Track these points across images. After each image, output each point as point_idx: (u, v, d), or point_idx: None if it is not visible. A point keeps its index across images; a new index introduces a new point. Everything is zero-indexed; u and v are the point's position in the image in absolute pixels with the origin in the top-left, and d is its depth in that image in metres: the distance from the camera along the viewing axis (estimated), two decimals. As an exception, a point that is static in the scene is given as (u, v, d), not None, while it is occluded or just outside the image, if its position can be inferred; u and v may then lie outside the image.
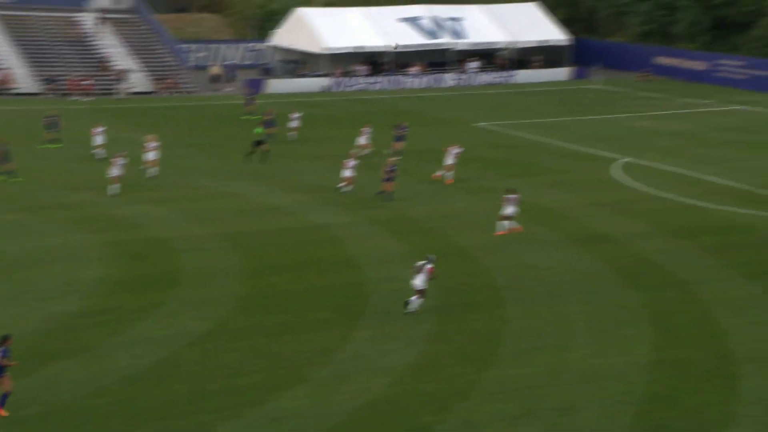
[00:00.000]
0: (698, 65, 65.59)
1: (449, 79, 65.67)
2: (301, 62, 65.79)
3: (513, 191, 29.76)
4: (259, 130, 39.89)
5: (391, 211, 31.90)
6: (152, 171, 36.34)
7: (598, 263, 26.61)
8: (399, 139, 40.64)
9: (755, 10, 65.05)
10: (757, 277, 25.46)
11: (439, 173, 36.03)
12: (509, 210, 29.31)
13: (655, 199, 33.96)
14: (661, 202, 33.45)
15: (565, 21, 70.75)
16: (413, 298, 22.66)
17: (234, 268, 25.98)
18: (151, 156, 36.55)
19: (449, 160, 35.89)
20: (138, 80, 60.35)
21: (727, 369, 19.82)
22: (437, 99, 59.75)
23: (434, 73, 65.57)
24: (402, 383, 19.17)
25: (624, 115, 52.83)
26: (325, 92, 61.92)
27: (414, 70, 65.46)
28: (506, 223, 29.34)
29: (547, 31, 68.57)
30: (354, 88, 63.34)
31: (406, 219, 31.14)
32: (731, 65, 63.37)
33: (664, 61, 67.67)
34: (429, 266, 22.73)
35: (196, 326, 21.73)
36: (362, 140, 40.69)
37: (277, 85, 61.72)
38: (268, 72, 65.45)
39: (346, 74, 64.24)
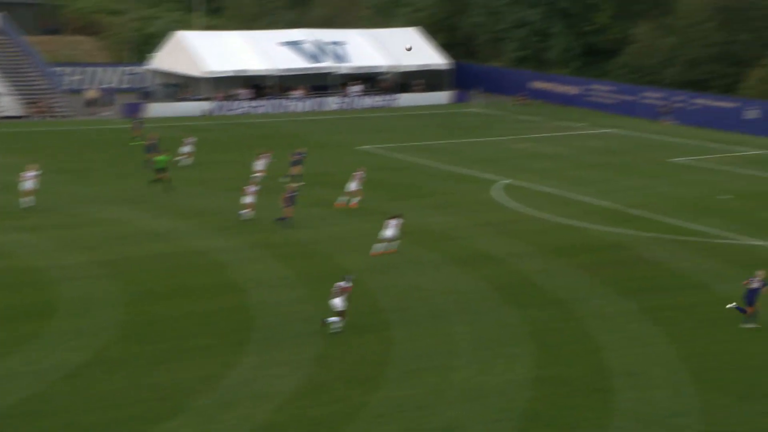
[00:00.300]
0: (571, 90, 67.82)
1: (332, 102, 65.89)
2: (181, 86, 64.84)
3: (397, 216, 30.05)
4: (161, 157, 38.78)
5: (276, 235, 31.66)
6: (27, 201, 34.83)
7: (481, 283, 27.04)
8: (296, 164, 40.49)
9: (622, 38, 67.84)
10: (631, 293, 26.34)
11: (342, 201, 35.84)
12: (389, 233, 29.55)
13: (534, 219, 34.79)
14: (540, 223, 34.29)
15: (445, 46, 72.08)
16: (332, 318, 22.76)
17: (112, 296, 25.25)
18: (28, 185, 35.11)
19: (353, 185, 35.95)
20: (8, 104, 58.21)
21: (603, 384, 20.39)
22: (321, 122, 59.83)
23: (317, 97, 65.66)
24: (287, 409, 18.96)
25: (503, 137, 54.08)
26: (207, 116, 61.17)
27: (297, 93, 65.43)
28: (383, 245, 29.57)
29: (428, 55, 69.69)
30: (237, 111, 62.80)
31: (291, 242, 30.95)
32: (601, 90, 65.79)
33: (539, 85, 69.69)
34: (345, 285, 22.86)
35: (71, 358, 20.97)
36: (259, 165, 40.26)
37: (158, 109, 60.61)
38: (147, 96, 64.22)
39: (228, 98, 63.66)
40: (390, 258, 29.12)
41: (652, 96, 61.96)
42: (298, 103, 64.92)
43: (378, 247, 29.65)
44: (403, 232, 30.02)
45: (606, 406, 19.34)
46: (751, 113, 55.29)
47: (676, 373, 20.89)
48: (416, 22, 73.67)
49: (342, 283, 23.01)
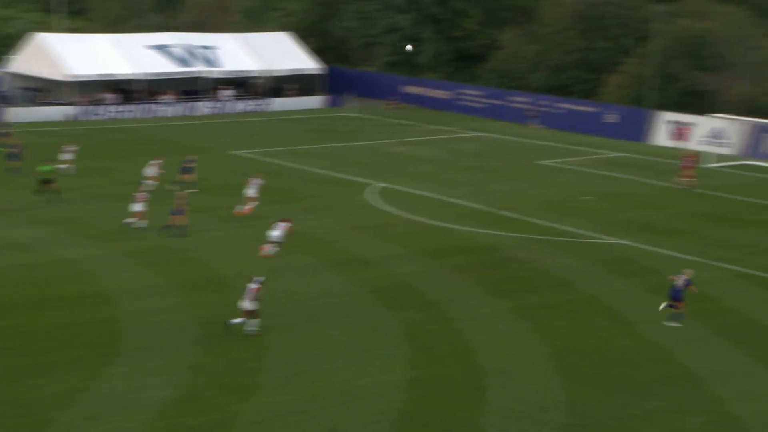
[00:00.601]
0: (442, 94, 68.94)
1: (204, 107, 64.88)
2: (42, 90, 62.49)
3: (286, 220, 30.15)
4: (46, 168, 37.01)
5: (148, 242, 30.92)
6: None
7: (357, 286, 27.14)
8: (185, 171, 39.61)
9: (490, 44, 69.51)
10: (502, 293, 26.96)
11: (244, 208, 35.20)
12: (275, 234, 29.52)
13: (408, 222, 35.17)
14: (415, 225, 34.69)
15: (318, 50, 72.09)
16: (238, 320, 22.72)
17: (-26, 309, 24.09)
18: None
19: (251, 192, 35.46)
20: None
21: (477, 383, 20.80)
22: (192, 127, 58.82)
23: (188, 102, 64.53)
24: (161, 419, 18.54)
25: (377, 141, 54.47)
26: (70, 121, 59.17)
27: (167, 98, 64.11)
28: (269, 247, 29.62)
29: (300, 59, 69.54)
30: (103, 117, 61.01)
31: (165, 249, 30.29)
32: (471, 94, 67.15)
33: (411, 89, 70.55)
34: (255, 287, 22.86)
35: (-69, 374, 19.90)
36: (150, 172, 39.13)
37: (17, 114, 58.22)
38: (5, 100, 61.59)
39: (94, 103, 61.76)
40: (266, 263, 28.88)
41: (519, 100, 63.65)
42: (168, 108, 63.62)
43: (267, 249, 29.65)
44: (286, 237, 29.89)
45: (479, 404, 19.73)
46: (611, 117, 57.56)
47: (545, 369, 21.51)
48: (287, 26, 73.41)
49: (252, 285, 23.00)
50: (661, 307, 24.63)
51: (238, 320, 23.00)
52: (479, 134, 57.93)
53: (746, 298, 26.35)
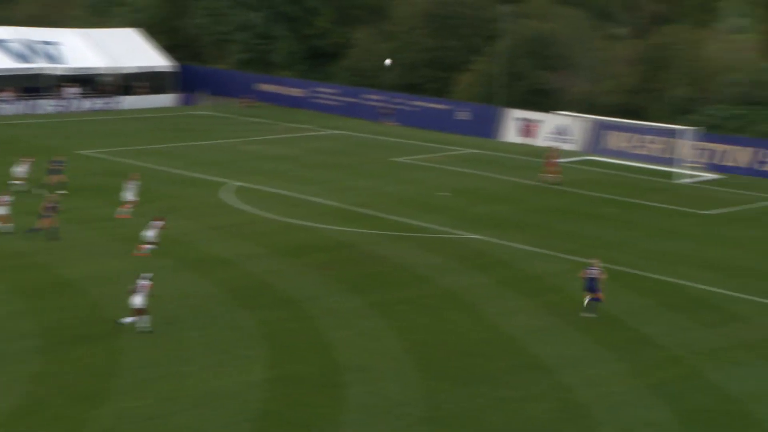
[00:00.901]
0: (297, 92, 68.75)
1: (47, 105, 62.35)
2: None
3: (160, 218, 29.78)
4: None
5: (5, 247, 29.49)
6: None
7: (214, 287, 26.74)
8: (54, 172, 37.84)
9: (344, 43, 69.85)
10: (360, 290, 27.16)
11: (123, 212, 33.79)
12: (150, 234, 29.34)
13: (265, 221, 34.92)
14: (271, 224, 34.47)
15: (169, 48, 70.53)
16: (128, 319, 22.35)
17: None
18: None
19: (129, 196, 34.16)
20: None
21: (336, 379, 20.89)
22: (35, 126, 56.45)
23: (29, 99, 61.82)
24: (2, 431, 17.70)
25: (232, 140, 53.80)
26: None
27: (5, 95, 61.20)
28: (146, 246, 29.39)
29: (150, 57, 67.85)
30: (-60, 115, 57.75)
31: (7, 254, 28.95)
32: (326, 92, 67.28)
33: (266, 87, 70.04)
34: (145, 284, 22.64)
35: None
36: (20, 172, 37.12)
37: None
38: None
39: None
40: (119, 265, 28.05)
41: (373, 98, 64.23)
42: (7, 106, 60.78)
43: (143, 249, 29.26)
44: (134, 238, 29.13)
45: (338, 401, 19.82)
46: (462, 115, 58.92)
47: (403, 364, 21.81)
48: (136, 23, 71.46)
49: (141, 281, 22.77)
50: (585, 302, 25.10)
51: (129, 319, 22.58)
52: (335, 132, 58.12)
53: (591, 288, 27.44)
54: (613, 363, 21.96)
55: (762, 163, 45.39)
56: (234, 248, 30.84)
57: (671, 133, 46.87)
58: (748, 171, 45.56)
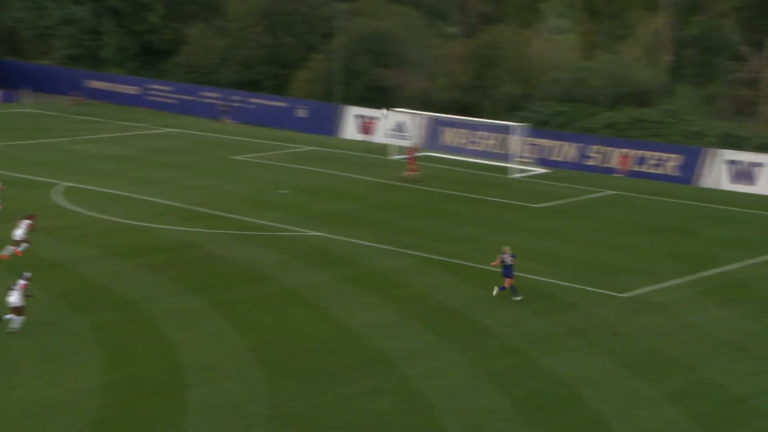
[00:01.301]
0: (131, 90, 66.74)
1: None
2: None
3: (30, 217, 28.74)
4: None
5: None
6: None
7: (45, 291, 25.55)
8: None
9: (177, 39, 68.32)
10: (201, 290, 26.64)
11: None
12: (19, 232, 28.40)
13: (99, 222, 33.72)
14: (106, 225, 33.33)
15: (-15, 42, 66.98)
16: (8, 316, 22.43)
17: None
18: None
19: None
20: None
21: (177, 381, 20.41)
22: None
23: None
24: None
25: (62, 139, 51.62)
26: None
27: None
28: (12, 247, 28.35)
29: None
30: None
31: None
32: (161, 90, 65.62)
33: (96, 84, 67.65)
34: (23, 282, 22.77)
35: None
36: None
37: None
38: None
39: None
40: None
41: (210, 96, 63.15)
42: None
43: (8, 249, 28.09)
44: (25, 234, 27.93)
45: (181, 402, 19.37)
46: (301, 112, 58.86)
47: (247, 363, 21.56)
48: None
49: (21, 281, 22.49)
50: (495, 291, 25.97)
51: (10, 316, 22.05)
52: (172, 130, 56.80)
53: (431, 282, 28.04)
54: (454, 354, 22.48)
55: (586, 157, 47.64)
56: (66, 251, 29.62)
57: (503, 129, 48.49)
58: (574, 165, 47.70)
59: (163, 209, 36.24)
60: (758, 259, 31.22)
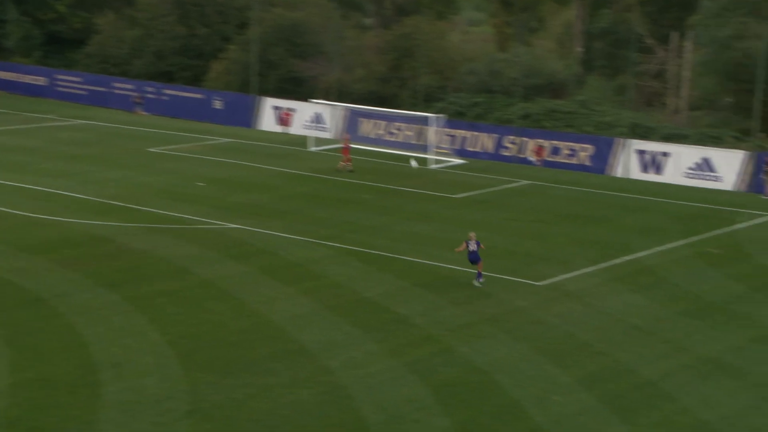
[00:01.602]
0: (38, 80, 64.94)
1: None
2: None
3: None
4: None
5: None
6: None
7: (-51, 290, 24.72)
8: None
9: (87, 28, 66.69)
10: (115, 285, 26.13)
11: None
12: None
13: (6, 216, 32.76)
14: (13, 219, 32.39)
15: None
16: None
17: None
18: None
19: None
20: None
21: (90, 378, 19.98)
22: None
23: None
24: None
25: (-35, 131, 49.97)
26: None
27: None
28: None
29: None
30: None
31: None
32: (70, 81, 64.03)
33: (0, 75, 65.66)
34: None
35: None
36: None
37: None
38: None
39: None
40: None
41: (123, 87, 61.92)
42: None
43: None
44: None
45: (94, 400, 18.97)
46: (218, 103, 58.17)
47: (163, 358, 21.23)
48: None
49: None
50: (478, 283, 26.51)
51: None
52: (82, 122, 55.49)
53: (348, 273, 28.05)
54: (372, 344, 22.54)
55: (502, 148, 48.26)
56: (-27, 247, 28.70)
57: (420, 121, 48.77)
58: (491, 156, 48.28)
59: (74, 203, 35.41)
60: (667, 246, 32.11)
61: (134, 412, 18.54)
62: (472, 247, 26.72)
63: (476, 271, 26.96)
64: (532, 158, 46.84)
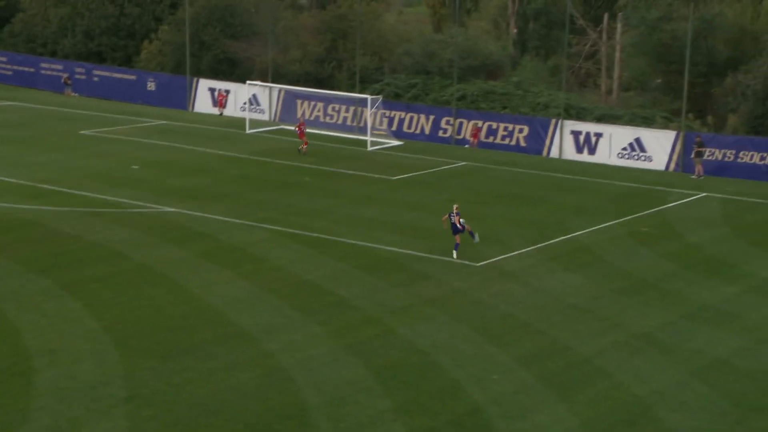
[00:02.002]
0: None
1: None
2: None
3: None
4: None
5: None
6: None
7: None
8: None
9: (9, 5, 64.81)
10: (47, 270, 25.61)
11: None
12: None
13: (-68, 201, 31.84)
14: (-60, 205, 31.50)
15: None
16: None
17: None
18: None
19: None
20: None
21: (23, 366, 19.61)
22: None
23: None
24: None
25: None
26: None
27: None
28: None
29: None
30: None
31: None
32: (-4, 61, 62.43)
33: None
34: None
35: None
36: None
37: None
38: None
39: None
40: None
41: (52, 67, 60.49)
42: None
43: None
44: None
45: (27, 387, 18.61)
46: (151, 85, 57.20)
47: (99, 344, 20.90)
48: None
49: None
50: (455, 255, 27.64)
51: None
52: (9, 103, 54.12)
53: (288, 256, 27.92)
54: (313, 327, 22.50)
55: (439, 129, 48.44)
56: None
57: (358, 102, 48.62)
58: (428, 137, 48.42)
59: (3, 187, 34.53)
60: (602, 225, 32.63)
61: (69, 399, 18.23)
62: (454, 219, 27.85)
63: (456, 244, 27.98)
64: (469, 140, 47.09)
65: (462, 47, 51.71)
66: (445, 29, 60.16)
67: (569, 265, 27.96)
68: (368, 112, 46.76)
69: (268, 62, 53.53)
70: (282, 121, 51.41)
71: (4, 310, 22.61)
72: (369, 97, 47.10)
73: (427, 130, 48.71)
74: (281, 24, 58.04)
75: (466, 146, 46.94)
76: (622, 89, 51.17)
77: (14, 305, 22.91)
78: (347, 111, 50.16)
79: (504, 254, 28.77)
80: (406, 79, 52.36)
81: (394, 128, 48.82)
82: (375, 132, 46.91)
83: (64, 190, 34.61)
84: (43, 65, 60.89)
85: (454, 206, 28.10)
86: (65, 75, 59.44)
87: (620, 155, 44.00)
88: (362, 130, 47.47)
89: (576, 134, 45.19)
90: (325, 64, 55.16)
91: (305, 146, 42.89)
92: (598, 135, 44.65)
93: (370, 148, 45.45)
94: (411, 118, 49.15)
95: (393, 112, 49.31)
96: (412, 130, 48.98)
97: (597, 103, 48.98)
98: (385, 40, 57.51)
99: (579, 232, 31.68)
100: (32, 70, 61.11)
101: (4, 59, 62.23)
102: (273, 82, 52.27)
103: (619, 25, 50.88)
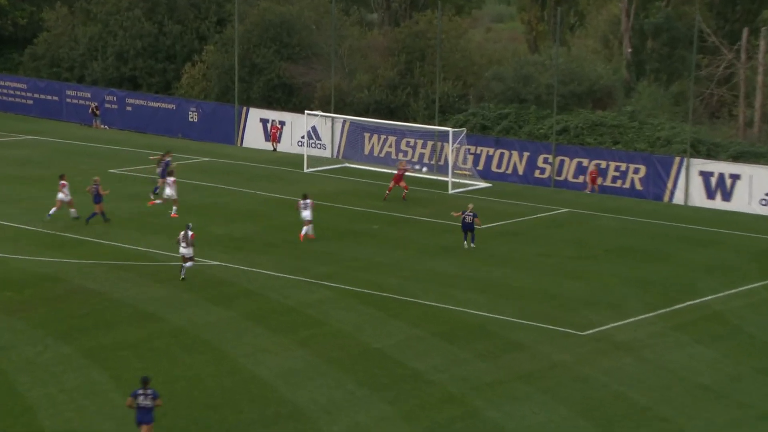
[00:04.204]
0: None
1: None
2: None
3: None
4: None
5: None
6: None
7: None
8: None
9: (32, 24, 66.76)
10: (68, 335, 26.07)
11: None
12: None
13: (-63, 251, 32.83)
14: (-54, 255, 32.43)
15: None
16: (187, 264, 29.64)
17: None
18: None
19: None
20: None
21: (41, 448, 19.85)
22: None
23: None
24: None
25: None
26: None
27: None
28: None
29: None
30: None
31: None
32: (13, 88, 64.23)
33: None
34: (191, 233, 30.15)
35: None
36: None
37: None
38: None
39: None
40: None
41: (78, 95, 62.11)
42: None
43: None
44: None
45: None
46: (192, 115, 58.22)
47: (128, 425, 21.04)
48: None
49: (188, 231, 28.66)
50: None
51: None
52: (30, 138, 55.76)
53: (352, 320, 27.96)
54: (382, 406, 22.42)
55: (534, 168, 48.26)
56: None
57: (437, 136, 48.80)
58: (521, 178, 48.28)
59: (20, 234, 35.45)
60: (741, 288, 31.97)
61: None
62: (468, 219, 32.82)
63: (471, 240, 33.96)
64: (588, 183, 46.39)
65: (563, 70, 51.65)
66: (544, 49, 60.21)
67: (699, 337, 27.43)
68: (450, 148, 46.87)
69: (330, 89, 54.19)
70: (346, 158, 51.82)
71: (17, 383, 23.02)
72: (451, 130, 47.24)
73: (520, 170, 48.59)
74: (346, 44, 58.88)
75: (586, 191, 46.37)
76: (765, 121, 50.36)
77: (28, 377, 23.31)
78: (424, 147, 50.34)
79: (617, 321, 28.36)
80: (496, 108, 52.45)
81: (480, 167, 48.83)
82: (458, 171, 46.95)
83: (89, 239, 35.33)
84: (69, 93, 62.66)
85: (470, 205, 33.05)
86: (93, 104, 61.08)
87: (763, 202, 43.21)
88: (443, 170, 47.50)
89: (706, 176, 44.56)
90: (399, 91, 55.61)
91: (405, 191, 42.92)
92: (735, 177, 43.96)
93: (451, 191, 45.47)
94: (501, 155, 49.11)
95: (479, 148, 49.34)
96: (502, 170, 48.91)
97: (733, 138, 48.30)
98: (470, 62, 57.83)
99: (711, 296, 31.11)
100: (56, 98, 62.93)
101: (24, 86, 64.21)
102: (336, 112, 52.85)
103: (762, 43, 50.24)
